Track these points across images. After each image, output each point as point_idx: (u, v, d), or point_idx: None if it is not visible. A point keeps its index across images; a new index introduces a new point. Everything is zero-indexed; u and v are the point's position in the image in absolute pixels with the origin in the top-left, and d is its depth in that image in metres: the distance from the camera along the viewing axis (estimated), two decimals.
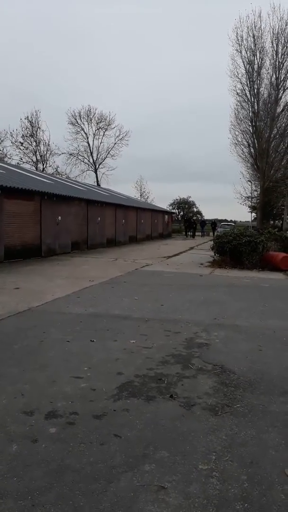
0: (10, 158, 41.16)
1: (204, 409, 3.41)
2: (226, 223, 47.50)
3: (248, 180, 31.87)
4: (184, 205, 68.33)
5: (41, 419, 3.18)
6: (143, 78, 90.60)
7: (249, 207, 38.18)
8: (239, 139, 28.20)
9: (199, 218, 54.86)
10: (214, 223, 44.75)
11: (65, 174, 43.15)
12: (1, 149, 42.67)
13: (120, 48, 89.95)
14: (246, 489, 2.42)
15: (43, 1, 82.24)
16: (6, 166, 22.23)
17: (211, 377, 4.11)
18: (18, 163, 39.19)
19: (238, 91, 27.21)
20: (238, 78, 27.01)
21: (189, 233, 40.14)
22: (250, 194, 34.05)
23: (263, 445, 2.90)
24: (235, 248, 13.67)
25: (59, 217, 17.50)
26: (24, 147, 41.50)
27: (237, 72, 26.96)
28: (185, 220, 43.89)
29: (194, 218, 52.18)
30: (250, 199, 35.27)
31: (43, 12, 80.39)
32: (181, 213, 67.84)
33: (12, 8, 78.03)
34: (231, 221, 60.53)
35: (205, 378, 4.08)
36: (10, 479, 2.45)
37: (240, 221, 59.53)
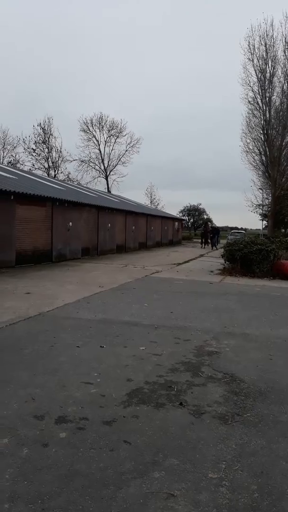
0: (22, 164, 41.77)
1: (214, 417, 3.40)
2: (237, 231, 47.24)
3: (260, 188, 31.80)
4: (195, 212, 68.39)
5: (51, 423, 3.20)
6: (147, 83, 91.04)
7: (260, 215, 38.05)
8: (251, 147, 28.23)
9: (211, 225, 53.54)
10: (216, 230, 35.38)
11: (77, 180, 43.60)
12: (14, 155, 43.33)
13: (126, 53, 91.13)
14: (256, 499, 2.41)
15: (58, 12, 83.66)
16: (18, 172, 22.53)
17: (221, 385, 4.10)
18: (30, 169, 39.72)
19: (250, 99, 27.31)
20: (250, 86, 27.13)
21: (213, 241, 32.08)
22: (261, 202, 33.94)
23: (273, 455, 2.88)
24: (245, 256, 13.61)
25: (70, 223, 17.64)
26: (37, 153, 42.13)
27: (248, 80, 27.08)
28: (206, 230, 34.66)
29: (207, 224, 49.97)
30: (261, 207, 35.13)
31: (54, 23, 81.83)
32: (191, 220, 67.88)
33: (26, 23, 79.52)
34: (241, 228, 60.33)
35: (215, 386, 4.07)
36: (21, 483, 2.47)
37: (251, 229, 59.31)
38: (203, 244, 32.75)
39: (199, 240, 34.91)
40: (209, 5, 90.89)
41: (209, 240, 32.43)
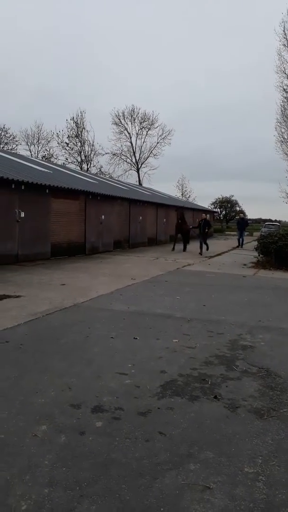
0: (56, 158, 42.56)
1: (249, 411, 3.36)
2: (271, 223, 46.03)
3: None
4: (227, 204, 67.23)
5: (87, 412, 3.27)
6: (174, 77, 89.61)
7: None
8: (286, 136, 27.37)
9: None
10: (244, 221, 25.10)
11: (108, 173, 43.91)
12: (48, 149, 44.18)
13: (152, 47, 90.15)
14: None
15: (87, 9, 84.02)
16: (53, 166, 22.93)
17: (256, 380, 4.04)
18: (63, 163, 40.38)
19: (285, 87, 26.42)
20: (285, 73, 26.21)
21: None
22: None
23: None
24: (280, 249, 13.28)
25: (103, 216, 17.81)
26: (70, 147, 42.73)
27: (284, 67, 26.16)
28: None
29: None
30: None
31: (82, 16, 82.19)
32: (223, 212, 66.80)
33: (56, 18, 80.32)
34: (275, 221, 58.74)
35: (250, 380, 4.02)
36: (60, 469, 2.55)
37: (286, 221, 57.71)
38: (182, 245, 19.69)
39: (234, 233, 24.61)
40: None
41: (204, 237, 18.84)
